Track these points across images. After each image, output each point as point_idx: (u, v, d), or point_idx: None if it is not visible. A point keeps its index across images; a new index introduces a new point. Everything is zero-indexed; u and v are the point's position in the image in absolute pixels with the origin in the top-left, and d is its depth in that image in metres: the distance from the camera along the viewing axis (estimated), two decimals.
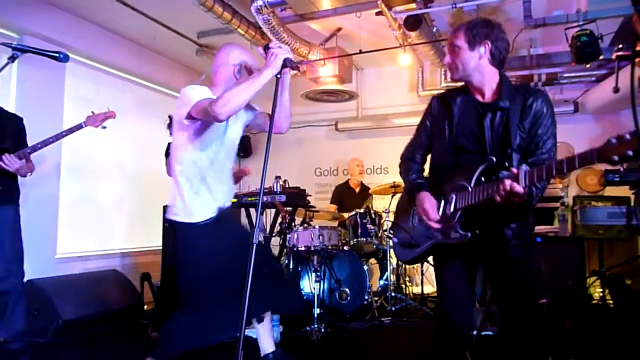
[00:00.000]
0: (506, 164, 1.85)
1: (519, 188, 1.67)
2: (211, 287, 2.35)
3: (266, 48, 2.14)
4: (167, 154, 3.97)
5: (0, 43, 2.09)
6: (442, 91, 2.22)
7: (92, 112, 3.30)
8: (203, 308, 2.38)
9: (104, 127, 3.32)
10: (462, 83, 2.11)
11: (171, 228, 2.49)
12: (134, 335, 3.93)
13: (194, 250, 2.39)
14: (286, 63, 2.10)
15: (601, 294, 4.01)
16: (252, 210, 4.84)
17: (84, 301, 3.85)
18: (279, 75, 2.11)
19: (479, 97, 2.03)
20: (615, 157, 1.38)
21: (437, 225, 2.00)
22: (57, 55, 2.15)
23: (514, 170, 1.71)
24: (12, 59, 2.07)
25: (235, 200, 4.21)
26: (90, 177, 5.01)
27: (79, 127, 3.23)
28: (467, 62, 1.97)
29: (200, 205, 2.37)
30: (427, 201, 2.03)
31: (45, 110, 4.33)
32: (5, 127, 3.02)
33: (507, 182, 1.68)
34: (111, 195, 5.24)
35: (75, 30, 4.65)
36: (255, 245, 1.74)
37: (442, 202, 2.02)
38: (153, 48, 5.58)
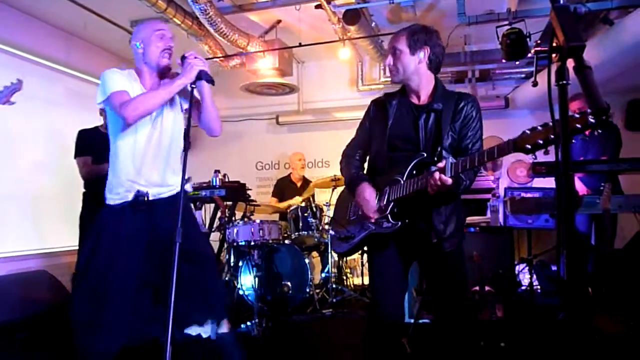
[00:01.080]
0: (435, 159, 1.95)
1: (446, 179, 1.79)
2: (102, 278, 2.20)
3: (183, 58, 2.23)
4: (81, 150, 3.71)
5: None
6: (381, 95, 2.31)
7: None
8: (92, 301, 2.21)
9: (12, 103, 2.94)
10: (400, 86, 2.22)
11: None
12: (62, 340, 3.73)
13: (98, 233, 2.29)
14: (201, 75, 2.19)
15: (529, 281, 4.23)
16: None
17: (9, 304, 3.62)
18: (193, 85, 2.19)
19: (415, 100, 2.15)
20: (528, 146, 1.52)
21: (373, 215, 2.07)
22: None
23: (441, 164, 1.82)
24: None
25: None
26: (16, 172, 4.70)
27: None
28: (408, 65, 2.07)
29: (116, 188, 2.31)
30: (367, 191, 2.12)
31: None
32: None
33: (436, 175, 1.80)
34: (40, 191, 4.94)
35: None
36: (178, 243, 1.70)
37: (377, 196, 2.11)
38: (84, 37, 5.32)
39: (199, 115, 2.39)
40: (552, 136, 1.41)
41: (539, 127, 1.47)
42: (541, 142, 1.47)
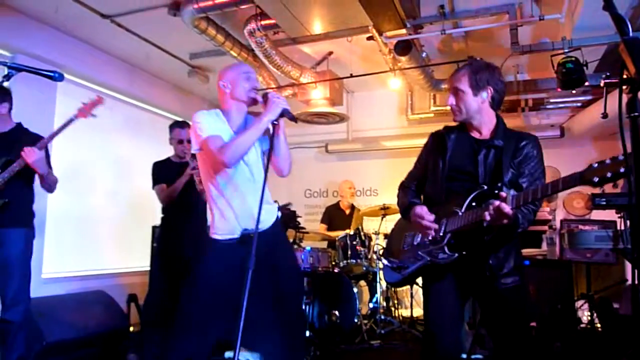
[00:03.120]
0: (496, 192, 1.90)
1: (507, 209, 1.74)
2: (205, 307, 2.32)
3: (264, 96, 2.32)
4: (157, 179, 3.90)
5: None
6: (440, 128, 2.30)
7: (83, 102, 3.17)
8: (186, 327, 2.34)
9: (94, 116, 3.17)
10: None
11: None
12: (117, 359, 3.85)
13: (204, 266, 2.42)
14: (284, 113, 2.27)
15: (589, 318, 4.03)
16: None
17: (69, 323, 3.76)
18: (275, 122, 2.27)
19: (476, 134, 2.13)
20: (596, 179, 1.47)
21: (432, 225, 2.03)
22: (52, 74, 2.14)
23: (503, 194, 1.78)
24: (7, 77, 2.06)
25: None
26: (78, 197, 4.95)
27: (70, 120, 3.08)
28: (470, 105, 2.07)
29: (223, 226, 2.41)
30: (419, 210, 2.10)
31: (35, 129, 4.29)
32: (21, 142, 2.94)
33: (497, 202, 1.76)
34: (99, 215, 5.19)
35: (67, 49, 4.66)
36: (250, 270, 1.75)
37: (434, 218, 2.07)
38: (145, 68, 5.60)
39: (273, 157, 2.45)
40: (622, 169, 1.37)
41: (607, 161, 1.43)
42: (610, 175, 1.42)
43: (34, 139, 3.02)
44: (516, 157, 2.01)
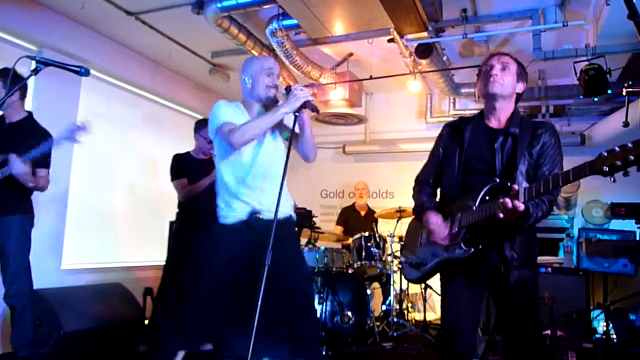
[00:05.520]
0: (509, 184, 1.92)
1: (519, 205, 1.76)
2: (204, 295, 2.34)
3: (288, 89, 2.36)
4: (176, 173, 3.92)
5: (25, 56, 2.13)
6: (454, 119, 2.33)
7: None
8: (180, 308, 2.39)
9: (77, 142, 3.06)
10: (477, 111, 2.24)
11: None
12: (132, 351, 3.91)
13: (210, 249, 2.43)
14: (306, 105, 2.31)
15: (605, 328, 3.97)
16: None
17: (86, 314, 3.84)
18: (297, 113, 2.32)
19: (492, 123, 2.16)
20: (605, 168, 1.48)
21: (444, 241, 2.07)
22: (78, 69, 2.19)
23: (515, 187, 1.81)
24: (35, 71, 2.11)
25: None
26: (98, 191, 5.04)
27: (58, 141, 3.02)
28: (510, 85, 2.11)
29: (230, 207, 2.43)
30: (433, 218, 2.13)
31: (59, 123, 4.38)
32: (22, 141, 2.97)
33: (508, 199, 1.77)
34: (118, 209, 5.27)
35: (92, 45, 4.75)
36: (267, 266, 1.76)
37: (449, 221, 2.10)
38: (167, 65, 5.68)
39: (298, 143, 2.49)
40: (631, 157, 1.37)
41: (617, 149, 1.44)
42: (619, 163, 1.43)
43: (41, 134, 3.06)
44: (533, 146, 2.04)
